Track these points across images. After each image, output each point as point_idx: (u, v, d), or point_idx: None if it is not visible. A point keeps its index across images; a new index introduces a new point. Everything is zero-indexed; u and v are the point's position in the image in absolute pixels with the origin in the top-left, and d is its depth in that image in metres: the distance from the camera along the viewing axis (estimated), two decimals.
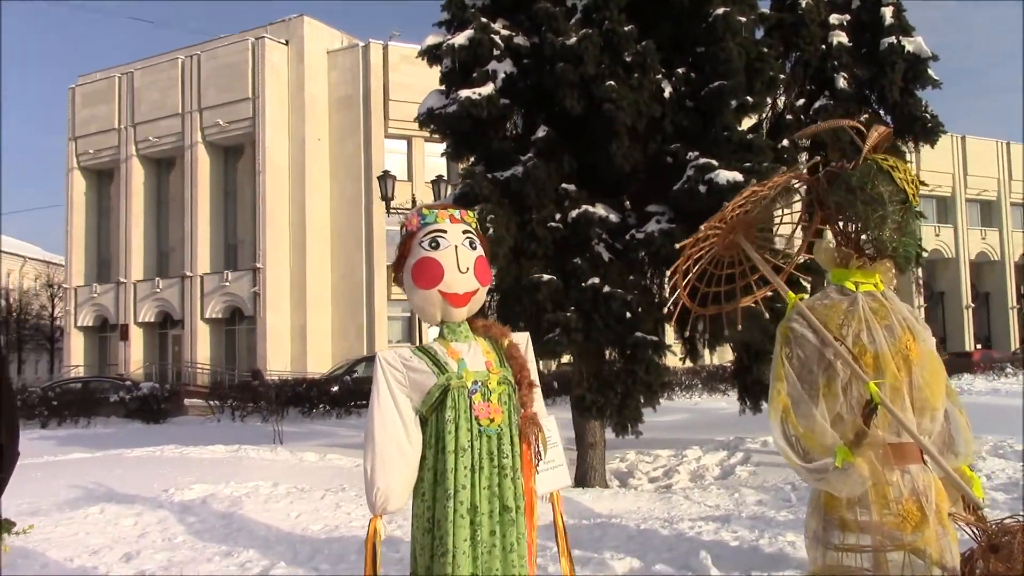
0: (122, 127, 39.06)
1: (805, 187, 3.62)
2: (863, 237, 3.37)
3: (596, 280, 8.86)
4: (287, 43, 36.72)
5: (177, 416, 20.10)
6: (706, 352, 11.26)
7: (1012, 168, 50.52)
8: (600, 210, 9.17)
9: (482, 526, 2.64)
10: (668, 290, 3.72)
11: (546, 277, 8.83)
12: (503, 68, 9.34)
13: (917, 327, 3.43)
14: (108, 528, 6.19)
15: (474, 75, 9.35)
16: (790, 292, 3.50)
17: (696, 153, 8.91)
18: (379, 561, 2.69)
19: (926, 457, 3.25)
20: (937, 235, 48.44)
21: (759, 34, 11.39)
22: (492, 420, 2.71)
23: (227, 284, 36.73)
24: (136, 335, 38.70)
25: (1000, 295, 49.73)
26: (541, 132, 9.23)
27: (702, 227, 3.66)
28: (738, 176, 8.54)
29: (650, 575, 4.81)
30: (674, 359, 11.54)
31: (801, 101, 11.45)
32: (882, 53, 11.07)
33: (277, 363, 33.68)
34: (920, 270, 46.93)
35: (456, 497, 2.62)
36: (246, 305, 36.42)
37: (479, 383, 2.72)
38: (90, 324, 40.26)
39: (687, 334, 8.52)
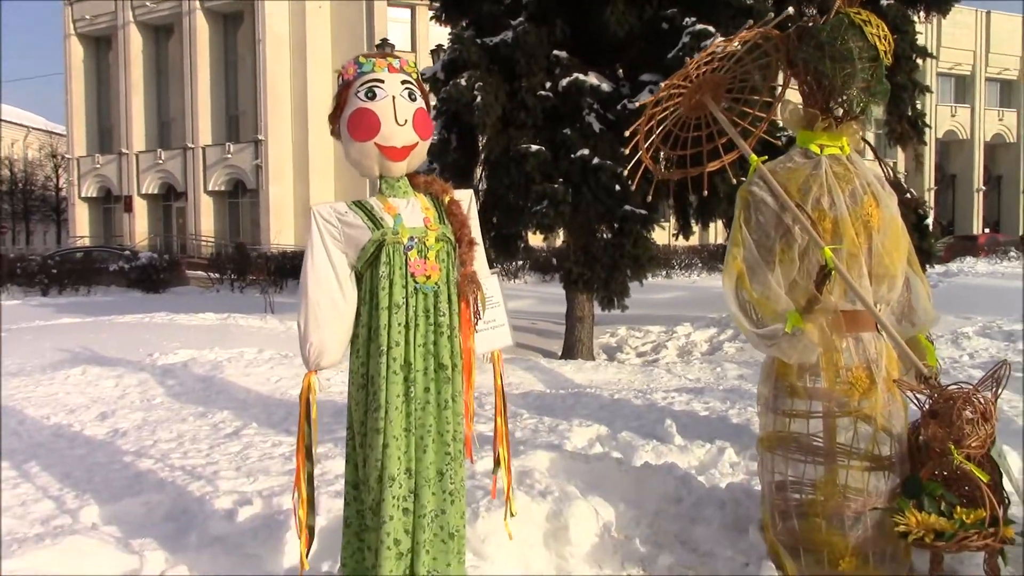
0: None
1: (775, 44, 3.44)
2: (830, 95, 3.22)
3: (586, 151, 8.67)
4: None
5: (177, 287, 20.23)
6: (698, 228, 11.19)
7: None
8: (592, 78, 8.88)
9: (416, 383, 2.61)
10: (627, 151, 3.59)
11: (535, 147, 8.64)
12: None
13: (881, 193, 3.32)
14: (88, 389, 6.28)
15: None
16: (752, 155, 3.38)
17: (693, 19, 8.55)
18: (314, 416, 2.68)
19: (880, 324, 3.20)
20: (953, 115, 47.30)
21: None
22: (428, 277, 2.64)
23: (229, 156, 36.41)
24: (140, 207, 38.67)
25: (1013, 179, 48.95)
26: None
27: (662, 84, 3.50)
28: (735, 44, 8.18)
29: (615, 441, 4.87)
30: (672, 238, 11.45)
31: None
32: None
33: (281, 236, 33.73)
34: (932, 152, 46.16)
35: (389, 353, 2.58)
36: (249, 177, 36.20)
37: (416, 239, 2.64)
38: (94, 195, 40.21)
39: (649, 200, 8.31)
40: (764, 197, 3.27)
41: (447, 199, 2.79)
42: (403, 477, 2.58)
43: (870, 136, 11.54)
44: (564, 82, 8.81)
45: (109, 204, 40.53)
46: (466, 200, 2.87)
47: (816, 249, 3.11)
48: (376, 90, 2.64)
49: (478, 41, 8.84)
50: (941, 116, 46.72)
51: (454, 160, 9.25)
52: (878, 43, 3.19)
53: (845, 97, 3.20)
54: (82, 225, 40.46)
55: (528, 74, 8.77)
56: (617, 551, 3.39)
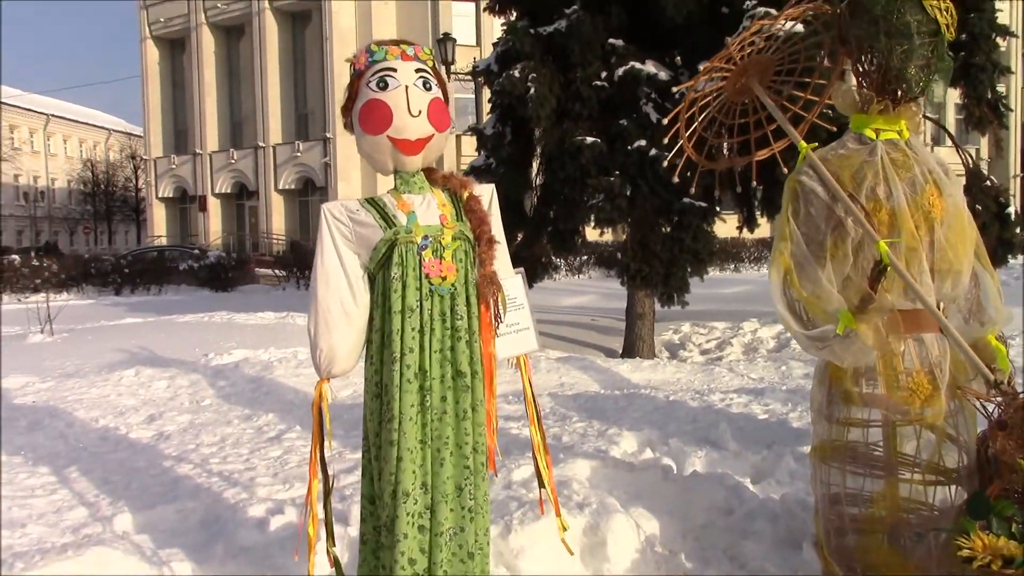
0: None
1: (825, 21, 3.17)
2: (886, 75, 2.95)
3: (643, 143, 8.39)
4: None
5: (247, 284, 20.52)
6: (764, 220, 10.81)
7: None
8: (650, 67, 8.60)
9: (432, 391, 2.45)
10: (666, 139, 3.37)
11: (590, 140, 8.41)
12: None
13: (945, 181, 3.01)
14: (140, 390, 6.30)
15: None
16: (802, 142, 3.12)
17: (755, 2, 8.20)
18: (328, 425, 2.55)
19: (943, 325, 2.92)
20: None
21: None
22: (444, 278, 2.47)
23: (299, 154, 36.95)
24: (214, 206, 39.54)
25: None
26: None
27: (702, 67, 3.27)
28: (799, 27, 7.83)
29: (666, 447, 4.64)
30: (738, 231, 11.09)
31: None
32: None
33: None
34: (1017, 136, 44.17)
35: (403, 360, 2.42)
36: (318, 176, 36.70)
37: (430, 238, 2.48)
38: (170, 195, 41.27)
39: (716, 194, 7.97)
40: (814, 187, 3.00)
41: (466, 194, 2.62)
42: (418, 492, 2.42)
43: (950, 121, 10.99)
44: (620, 71, 8.56)
45: (185, 204, 41.56)
46: (487, 195, 2.69)
47: (871, 243, 2.84)
48: (388, 79, 2.49)
49: (531, 31, 8.64)
50: None
51: (509, 154, 9.08)
52: (939, 16, 2.89)
53: (903, 76, 2.91)
54: (159, 225, 41.59)
55: (583, 64, 8.54)
56: (660, 567, 3.19)
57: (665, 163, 3.47)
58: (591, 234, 11.44)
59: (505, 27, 9.13)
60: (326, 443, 2.55)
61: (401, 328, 2.43)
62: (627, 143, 8.47)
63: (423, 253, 2.46)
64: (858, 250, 2.92)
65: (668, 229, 8.86)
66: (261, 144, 37.46)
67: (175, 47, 41.75)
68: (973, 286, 3.08)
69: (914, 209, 2.92)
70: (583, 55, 8.51)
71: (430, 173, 2.64)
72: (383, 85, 2.48)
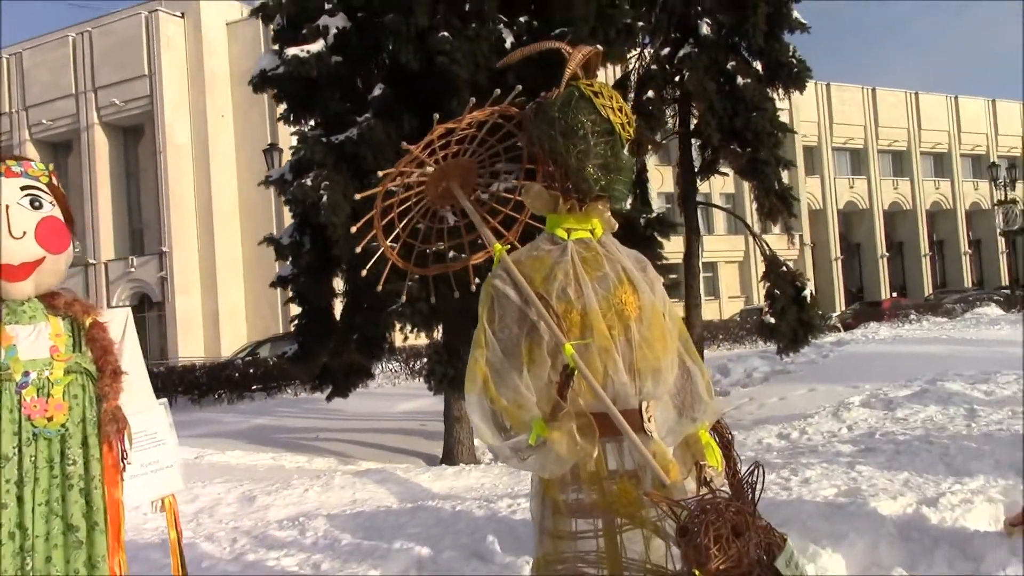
0: (13, 111, 37.27)
1: (517, 123, 3.16)
2: (568, 175, 2.92)
3: (441, 245, 8.30)
4: (183, 16, 35.31)
5: None
6: None
7: (921, 118, 51.37)
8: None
9: (35, 552, 2.12)
10: (359, 249, 3.23)
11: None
12: (335, 23, 8.71)
13: (639, 278, 2.97)
14: None
15: (304, 31, 8.70)
16: (496, 243, 3.04)
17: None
18: None
19: (650, 426, 2.83)
20: (851, 187, 49.11)
21: None
22: (51, 419, 2.18)
23: (133, 270, 35.52)
24: None
25: (913, 244, 50.74)
26: (378, 91, 8.65)
27: (380, 173, 3.18)
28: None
29: (435, 564, 4.37)
30: None
31: (667, 50, 11.03)
32: None
33: (189, 349, 32.69)
34: (835, 222, 47.68)
35: None
36: (154, 291, 35.28)
37: (33, 373, 2.19)
38: None
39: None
40: (507, 290, 2.90)
41: (88, 321, 2.35)
42: None
43: (750, 213, 11.61)
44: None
45: None
46: (119, 322, 2.44)
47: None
48: None
49: (323, 140, 8.54)
50: (840, 188, 48.49)
51: (308, 263, 8.85)
52: (612, 115, 2.90)
53: (582, 175, 2.88)
54: None
55: (376, 169, 8.43)
56: None
57: (364, 271, 3.31)
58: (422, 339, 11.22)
59: (297, 136, 9.01)
60: None
61: None
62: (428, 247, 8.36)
63: (24, 391, 2.16)
64: (556, 353, 2.82)
65: (469, 329, 8.74)
66: (92, 261, 35.79)
67: None
68: (686, 381, 3.03)
69: (606, 308, 2.85)
70: (376, 161, 8.44)
71: (52, 299, 2.36)
72: None
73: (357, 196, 3.15)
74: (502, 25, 8.72)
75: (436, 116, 3.14)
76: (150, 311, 36.26)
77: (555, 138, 2.89)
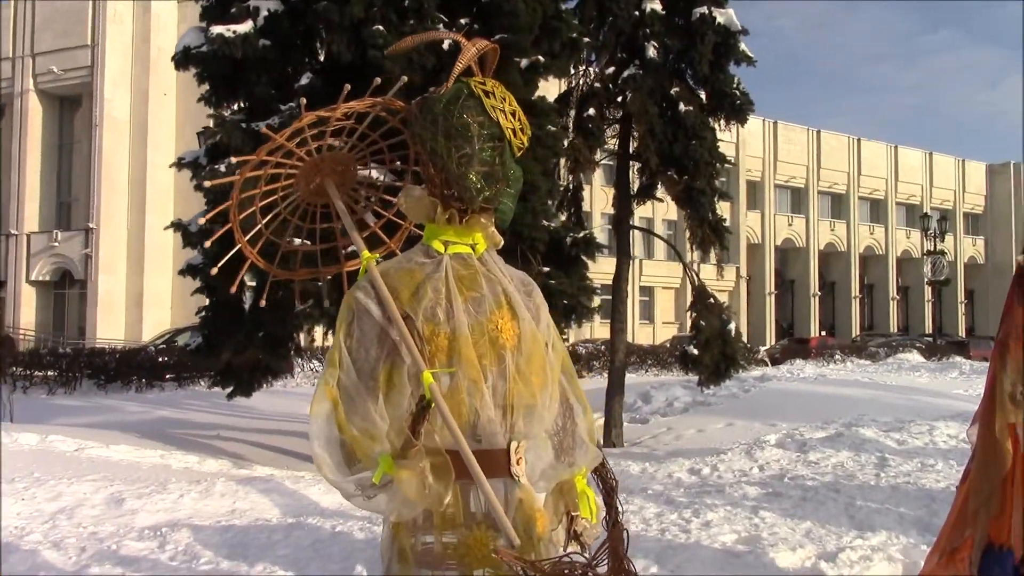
0: None
1: (402, 118, 2.84)
2: (448, 181, 2.61)
3: (308, 243, 7.92)
4: None
5: None
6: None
7: (862, 163, 52.58)
8: (373, 171, 8.26)
9: None
10: (207, 244, 2.87)
11: (298, 241, 7.84)
12: (267, 5, 8.29)
13: (519, 302, 2.64)
14: None
15: (233, 10, 8.26)
16: (365, 250, 2.71)
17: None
18: None
19: (517, 469, 2.53)
20: (790, 225, 49.99)
21: None
22: None
23: (56, 244, 34.24)
24: None
25: (845, 285, 51.82)
26: (305, 79, 8.25)
27: (235, 159, 2.85)
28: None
29: None
30: None
31: (611, 69, 10.85)
32: (693, 23, 10.58)
33: (109, 331, 31.56)
34: (772, 258, 48.41)
35: None
36: (76, 268, 34.05)
37: None
38: None
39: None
40: (369, 305, 2.56)
41: None
42: None
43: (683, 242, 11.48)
44: None
45: None
46: None
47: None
48: None
49: (243, 125, 8.10)
50: (780, 225, 49.30)
51: (216, 252, 8.37)
52: (503, 119, 2.59)
53: (463, 183, 2.57)
54: None
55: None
56: None
57: (214, 270, 2.95)
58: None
59: (215, 119, 8.54)
60: None
61: None
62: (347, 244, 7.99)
63: None
64: (417, 380, 2.49)
65: None
66: (13, 231, 34.43)
67: None
68: (567, 420, 2.73)
69: (479, 334, 2.53)
70: None
71: None
72: None
73: (207, 184, 2.79)
74: (441, 25, 8.42)
75: (303, 101, 2.80)
76: (71, 288, 35.06)
77: (436, 138, 2.58)
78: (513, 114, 2.63)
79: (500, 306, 2.59)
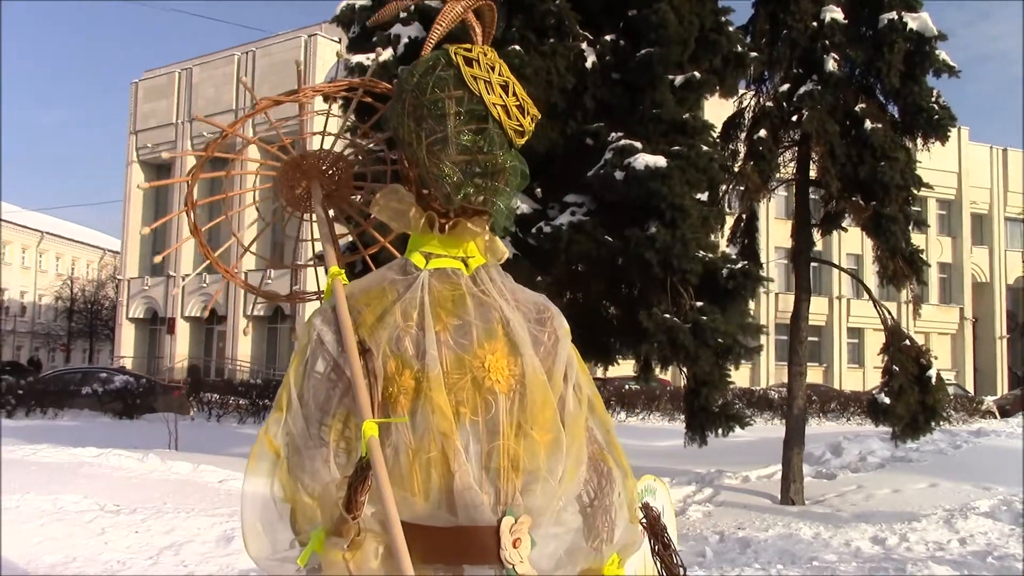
0: (179, 122, 39.44)
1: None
2: (423, 176, 2.03)
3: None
4: (340, 41, 36.36)
5: (165, 411, 19.31)
6: (662, 370, 9.85)
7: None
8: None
9: None
10: (162, 255, 2.43)
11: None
12: (408, 32, 8.10)
13: (520, 333, 1.99)
14: None
15: (374, 39, 8.15)
16: (335, 266, 2.17)
17: (620, 134, 7.51)
18: None
19: (512, 554, 1.89)
20: None
21: (747, 9, 9.93)
22: None
23: (270, 281, 36.51)
24: (182, 329, 38.96)
25: None
26: None
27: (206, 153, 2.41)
28: (660, 161, 7.13)
29: None
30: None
31: (786, 87, 9.84)
32: (880, 31, 9.40)
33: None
34: (1003, 298, 43.49)
35: None
36: (286, 303, 36.16)
37: None
38: (141, 316, 40.78)
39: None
40: (325, 334, 2.02)
41: None
42: None
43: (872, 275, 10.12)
44: None
45: (155, 325, 41.01)
46: None
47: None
48: None
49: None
50: (1011, 261, 44.48)
51: None
52: (486, 93, 1.98)
53: (435, 175, 1.97)
54: (128, 345, 40.96)
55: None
56: None
57: (199, 269, 2.54)
58: None
59: None
60: None
61: None
62: None
63: None
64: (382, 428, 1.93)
65: None
66: (238, 268, 37.14)
67: (161, 171, 42.13)
68: (602, 491, 2.07)
69: (458, 373, 1.92)
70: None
71: None
72: None
73: (144, 185, 2.38)
74: (585, 43, 7.88)
75: (244, 77, 2.34)
76: (283, 322, 37.27)
77: (404, 122, 2.00)
78: (505, 88, 2.01)
79: (492, 337, 1.94)
